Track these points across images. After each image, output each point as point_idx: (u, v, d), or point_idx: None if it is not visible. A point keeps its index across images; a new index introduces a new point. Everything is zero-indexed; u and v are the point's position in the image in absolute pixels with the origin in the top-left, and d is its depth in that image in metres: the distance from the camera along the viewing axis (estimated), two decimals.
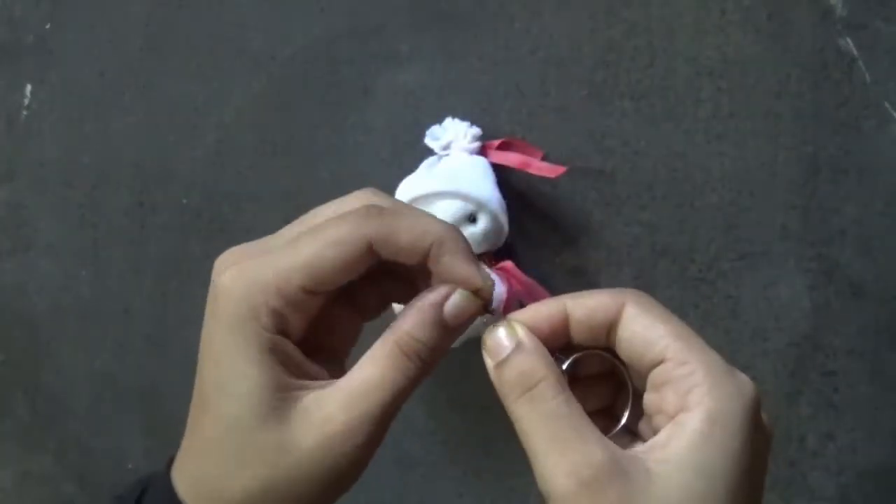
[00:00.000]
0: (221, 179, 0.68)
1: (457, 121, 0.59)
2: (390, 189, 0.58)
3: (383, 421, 0.29)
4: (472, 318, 0.30)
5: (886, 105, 0.55)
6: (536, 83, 0.61)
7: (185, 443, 0.31)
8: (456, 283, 0.30)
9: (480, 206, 0.55)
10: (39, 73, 0.73)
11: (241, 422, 0.29)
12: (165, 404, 0.72)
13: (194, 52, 0.69)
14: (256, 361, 0.29)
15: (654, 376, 0.28)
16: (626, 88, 0.59)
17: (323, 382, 0.29)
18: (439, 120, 0.60)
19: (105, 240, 0.72)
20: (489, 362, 0.30)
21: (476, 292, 0.30)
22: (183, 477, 0.30)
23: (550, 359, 0.29)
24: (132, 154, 0.71)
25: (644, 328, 0.29)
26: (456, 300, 0.30)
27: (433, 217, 0.30)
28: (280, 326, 0.29)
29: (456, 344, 0.59)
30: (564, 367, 0.30)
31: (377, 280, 0.32)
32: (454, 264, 0.29)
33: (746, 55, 0.57)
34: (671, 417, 0.27)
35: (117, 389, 0.73)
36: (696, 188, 0.58)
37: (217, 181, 0.69)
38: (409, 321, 0.29)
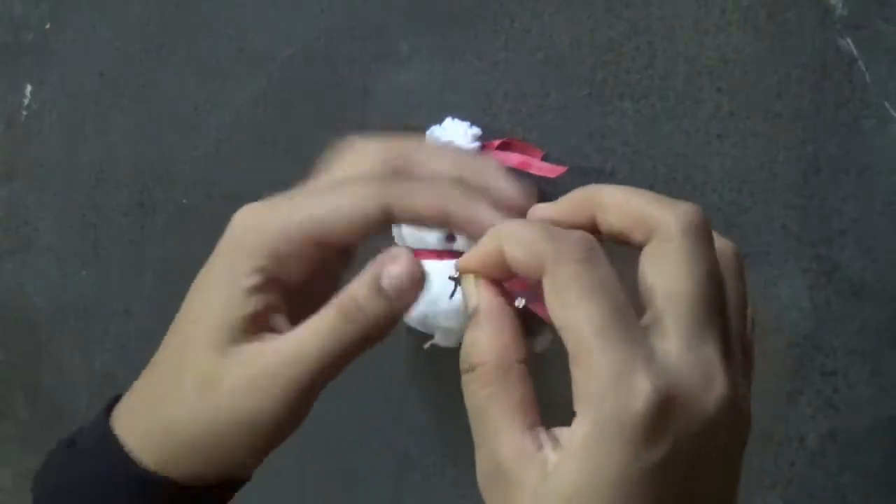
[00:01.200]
0: (221, 179, 0.68)
1: (457, 121, 0.59)
2: None
3: (310, 384, 0.28)
4: (411, 291, 0.28)
5: (886, 105, 0.55)
6: (536, 83, 0.61)
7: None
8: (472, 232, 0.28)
9: None
10: (39, 73, 0.73)
11: (189, 346, 0.29)
12: None
13: (194, 52, 0.69)
14: (231, 295, 0.29)
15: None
16: (626, 88, 0.59)
17: (274, 339, 0.29)
18: (439, 120, 0.60)
19: (105, 240, 0.72)
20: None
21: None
22: (121, 408, 0.31)
23: (503, 333, 0.27)
24: (132, 154, 0.71)
25: (552, 311, 0.25)
26: (392, 270, 0.28)
27: (449, 181, 0.29)
28: (275, 271, 0.29)
29: (454, 344, 0.59)
30: (518, 304, 0.28)
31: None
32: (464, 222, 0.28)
33: (746, 55, 0.57)
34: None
35: (117, 389, 0.73)
36: (696, 188, 0.58)
37: (217, 181, 0.69)
38: (355, 284, 0.28)
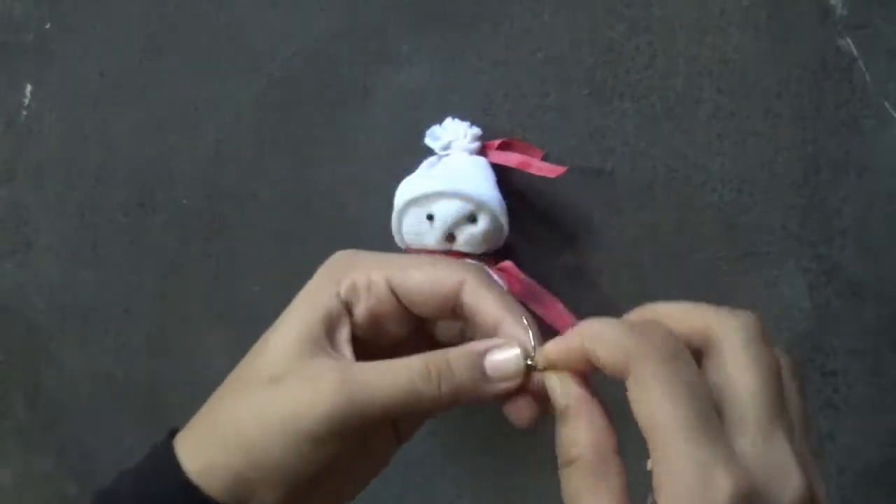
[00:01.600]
0: (221, 179, 0.68)
1: (457, 121, 0.59)
2: (390, 189, 0.58)
3: (370, 416, 0.29)
4: (511, 378, 0.30)
5: (886, 105, 0.55)
6: (536, 83, 0.61)
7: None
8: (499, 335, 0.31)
9: (480, 206, 0.55)
10: (39, 73, 0.73)
11: (262, 355, 0.30)
12: (165, 404, 0.72)
13: (194, 52, 0.69)
14: (304, 317, 0.30)
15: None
16: (626, 88, 0.59)
17: (345, 360, 0.30)
18: (439, 120, 0.60)
19: (105, 240, 0.72)
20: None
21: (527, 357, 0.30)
22: (185, 430, 0.33)
23: (590, 430, 0.28)
24: (132, 154, 0.71)
25: (636, 410, 0.26)
26: (501, 353, 0.30)
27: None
28: (351, 301, 0.31)
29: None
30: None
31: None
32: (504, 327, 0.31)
33: (746, 55, 0.57)
34: None
35: (117, 389, 0.73)
36: (696, 188, 0.58)
37: (217, 181, 0.69)
38: (453, 350, 0.30)
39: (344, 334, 0.31)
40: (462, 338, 0.33)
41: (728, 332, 0.27)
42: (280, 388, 0.29)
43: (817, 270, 0.57)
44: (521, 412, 0.31)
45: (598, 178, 0.60)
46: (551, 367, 0.29)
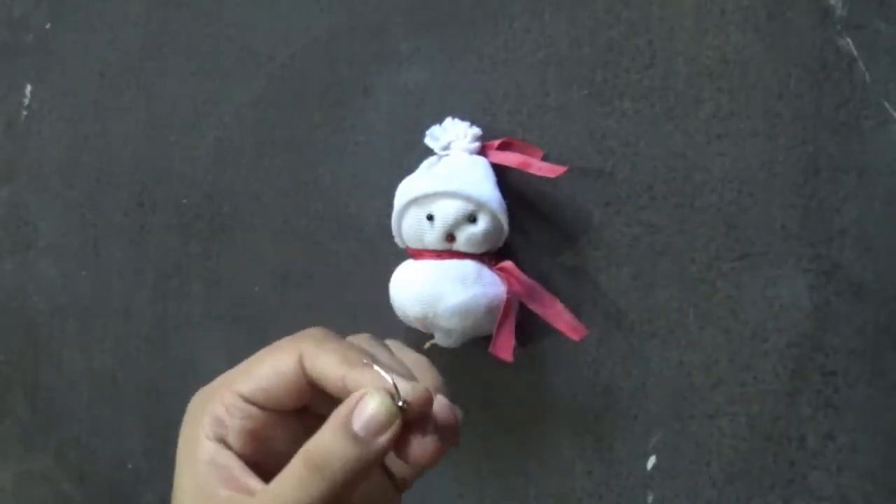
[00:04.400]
0: (221, 179, 0.68)
1: (457, 121, 0.59)
2: (390, 189, 0.58)
3: None
4: (385, 426, 0.27)
5: (886, 105, 0.55)
6: (536, 83, 0.61)
7: None
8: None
9: (480, 206, 0.55)
10: (39, 73, 0.73)
11: None
12: (165, 404, 0.72)
13: (194, 52, 0.69)
14: (191, 473, 0.29)
15: None
16: (626, 88, 0.59)
17: (247, 499, 0.29)
18: (439, 120, 0.60)
19: (105, 240, 0.72)
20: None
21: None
22: None
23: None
24: (132, 154, 0.71)
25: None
26: (362, 408, 0.27)
27: (358, 350, 0.30)
28: (221, 434, 0.30)
29: (454, 344, 0.59)
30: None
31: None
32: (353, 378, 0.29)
33: (746, 55, 0.57)
34: None
35: (117, 389, 0.73)
36: (696, 188, 0.58)
37: (217, 181, 0.69)
38: (322, 432, 0.27)
39: (238, 470, 0.29)
40: None
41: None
42: None
43: (817, 270, 0.57)
44: (423, 451, 0.28)
45: (598, 178, 0.60)
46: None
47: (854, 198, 0.56)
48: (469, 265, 0.56)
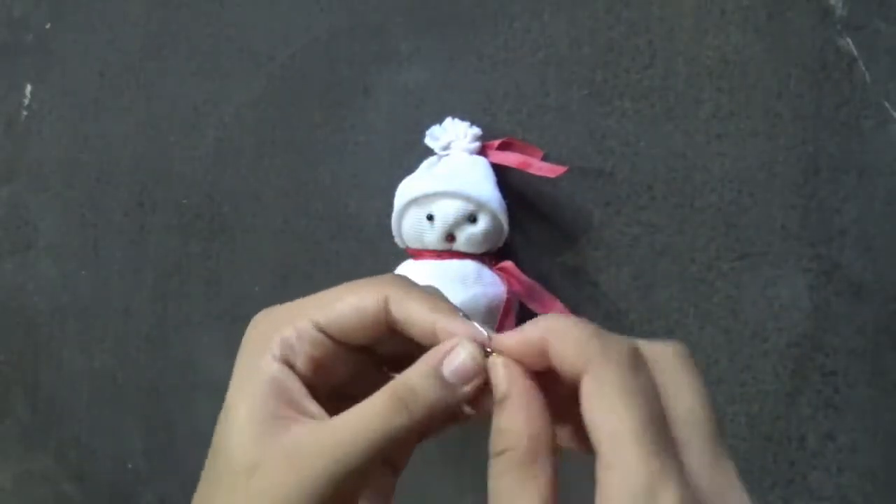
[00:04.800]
0: (221, 179, 0.68)
1: (457, 121, 0.59)
2: (390, 189, 0.58)
3: (356, 471, 0.28)
4: (472, 376, 0.28)
5: (886, 105, 0.55)
6: (536, 83, 0.61)
7: None
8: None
9: (480, 206, 0.55)
10: (39, 73, 0.73)
11: (226, 450, 0.29)
12: (165, 404, 0.72)
13: (194, 52, 0.69)
14: (250, 392, 0.29)
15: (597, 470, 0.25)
16: (626, 88, 0.59)
17: (314, 422, 0.29)
18: (439, 120, 0.60)
19: (105, 240, 0.72)
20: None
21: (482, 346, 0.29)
22: None
23: (529, 421, 0.27)
24: (132, 154, 0.71)
25: (586, 409, 0.25)
26: (454, 356, 0.28)
27: (449, 303, 0.30)
28: (288, 357, 0.30)
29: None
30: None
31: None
32: (445, 326, 0.29)
33: (746, 55, 0.57)
34: None
35: (117, 389, 0.73)
36: (696, 188, 0.58)
37: (217, 181, 0.69)
38: (410, 372, 0.29)
39: (300, 393, 0.30)
40: (412, 350, 0.32)
41: (662, 353, 0.27)
42: (258, 478, 0.28)
43: (817, 270, 0.57)
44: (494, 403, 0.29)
45: (598, 178, 0.60)
46: (505, 354, 0.28)
47: (854, 198, 0.56)
48: (469, 265, 0.56)
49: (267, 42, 0.67)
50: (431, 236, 0.56)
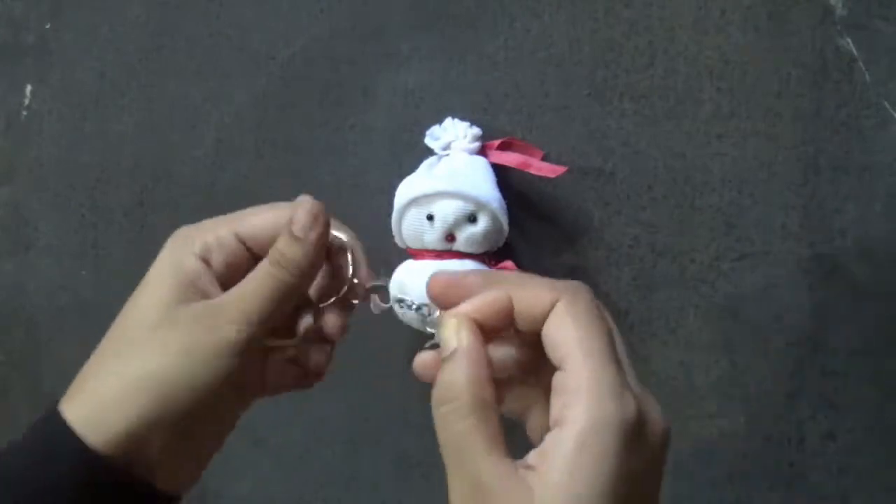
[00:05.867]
0: (221, 179, 0.68)
1: (457, 121, 0.59)
2: (390, 189, 0.58)
3: (249, 326, 0.32)
4: (315, 229, 0.34)
5: (886, 105, 0.55)
6: (536, 83, 0.61)
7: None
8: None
9: (480, 206, 0.55)
10: (39, 73, 0.73)
11: (137, 309, 0.35)
12: None
13: (194, 52, 0.69)
14: (168, 283, 0.34)
15: (553, 382, 0.28)
16: (626, 88, 0.59)
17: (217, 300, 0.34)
18: (439, 120, 0.60)
19: (105, 240, 0.72)
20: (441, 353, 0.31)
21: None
22: (71, 400, 0.35)
23: (479, 372, 0.29)
24: (132, 154, 0.71)
25: (556, 330, 0.29)
26: (297, 217, 0.34)
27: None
28: (208, 258, 0.34)
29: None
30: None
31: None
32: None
33: (746, 55, 0.57)
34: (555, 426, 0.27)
35: None
36: (696, 188, 0.58)
37: (217, 181, 0.69)
38: (277, 241, 0.34)
39: (213, 284, 0.34)
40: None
41: (571, 297, 0.30)
42: (168, 330, 0.32)
43: (817, 270, 0.57)
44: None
45: (598, 178, 0.60)
46: (466, 315, 0.30)
47: (854, 198, 0.56)
48: (469, 265, 0.56)
49: (267, 42, 0.67)
50: (431, 236, 0.56)
